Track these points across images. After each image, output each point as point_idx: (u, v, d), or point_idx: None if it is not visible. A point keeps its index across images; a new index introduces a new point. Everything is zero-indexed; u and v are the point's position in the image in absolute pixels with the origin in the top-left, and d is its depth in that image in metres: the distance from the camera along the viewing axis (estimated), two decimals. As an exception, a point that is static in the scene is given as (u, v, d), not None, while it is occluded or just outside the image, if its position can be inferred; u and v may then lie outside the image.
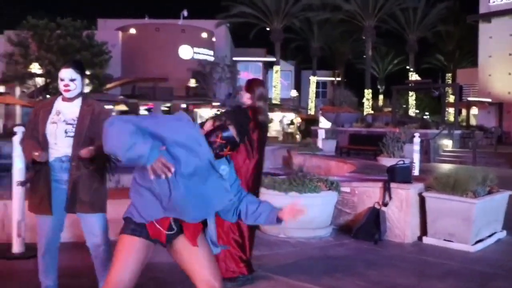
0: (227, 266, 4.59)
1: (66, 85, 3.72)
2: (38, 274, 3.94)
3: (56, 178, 3.71)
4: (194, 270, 2.82)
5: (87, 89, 31.78)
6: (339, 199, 6.98)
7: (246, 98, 4.66)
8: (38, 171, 3.68)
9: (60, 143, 3.67)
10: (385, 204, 6.69)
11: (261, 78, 50.88)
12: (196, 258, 2.82)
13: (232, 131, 2.71)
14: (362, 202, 7.06)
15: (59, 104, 3.82)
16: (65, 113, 3.75)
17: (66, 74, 3.70)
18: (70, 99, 3.79)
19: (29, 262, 4.96)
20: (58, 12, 33.29)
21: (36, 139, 3.71)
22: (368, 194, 7.00)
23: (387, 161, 10.10)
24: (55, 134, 3.69)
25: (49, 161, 3.66)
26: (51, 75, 30.90)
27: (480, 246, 6.36)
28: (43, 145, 3.67)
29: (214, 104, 37.43)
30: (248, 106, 4.62)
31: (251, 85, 4.71)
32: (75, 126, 3.71)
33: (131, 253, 2.72)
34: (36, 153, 3.54)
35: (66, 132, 3.68)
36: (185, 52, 46.89)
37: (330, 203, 6.80)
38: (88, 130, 3.70)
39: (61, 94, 3.83)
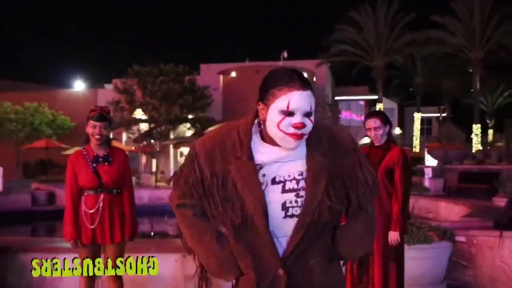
0: None
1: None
2: None
3: None
4: None
5: (190, 132, 32.61)
6: (453, 250, 6.10)
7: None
8: None
9: None
10: None
11: (363, 116, 50.12)
12: None
13: None
14: (482, 253, 6.15)
15: None
16: None
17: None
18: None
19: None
20: (164, 60, 34.16)
21: None
22: (490, 244, 6.09)
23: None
24: None
25: None
26: (155, 120, 31.83)
27: None
28: None
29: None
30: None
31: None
32: None
33: None
34: None
35: None
36: (286, 93, 46.71)
37: (443, 255, 5.93)
38: None
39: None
